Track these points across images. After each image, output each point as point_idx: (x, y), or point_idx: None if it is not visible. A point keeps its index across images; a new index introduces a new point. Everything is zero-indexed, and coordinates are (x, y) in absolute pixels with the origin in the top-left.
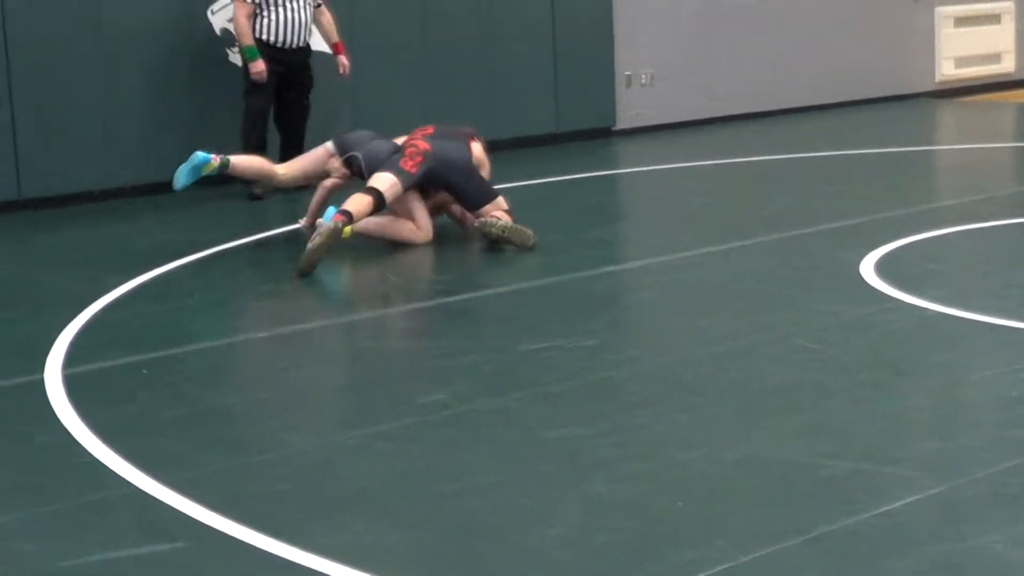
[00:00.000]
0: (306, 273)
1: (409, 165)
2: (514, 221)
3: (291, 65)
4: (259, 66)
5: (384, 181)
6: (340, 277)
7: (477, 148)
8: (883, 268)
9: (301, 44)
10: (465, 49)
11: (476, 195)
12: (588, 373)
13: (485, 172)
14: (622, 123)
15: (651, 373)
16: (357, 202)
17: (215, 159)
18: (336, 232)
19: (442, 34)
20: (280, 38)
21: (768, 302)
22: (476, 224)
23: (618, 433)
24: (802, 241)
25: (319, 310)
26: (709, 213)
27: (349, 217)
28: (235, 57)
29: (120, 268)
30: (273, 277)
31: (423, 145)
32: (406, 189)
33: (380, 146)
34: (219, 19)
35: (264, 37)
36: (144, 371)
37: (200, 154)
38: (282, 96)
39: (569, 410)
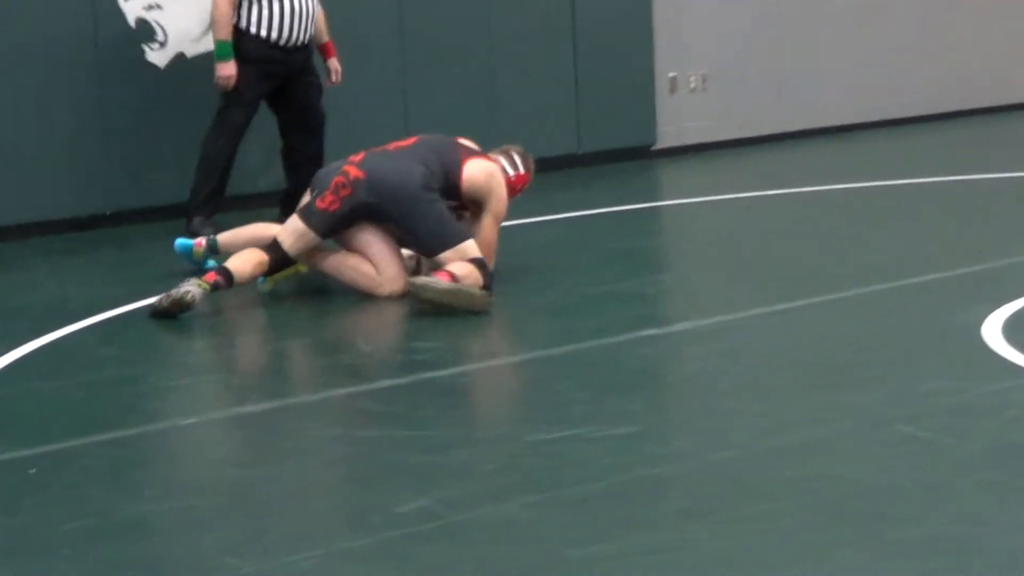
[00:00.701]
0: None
1: (328, 201)
2: (487, 277)
3: (292, 66)
4: (228, 69)
5: (288, 229)
6: (295, 341)
7: (475, 169)
8: (1015, 330)
9: (305, 40)
10: (455, 51)
11: (426, 235)
12: (621, 471)
13: (495, 204)
14: (664, 140)
15: (704, 472)
16: (245, 259)
17: (198, 243)
18: (181, 302)
19: (422, 37)
20: (282, 33)
21: (858, 378)
22: (410, 283)
23: (661, 552)
24: (902, 296)
25: (265, 387)
26: (778, 259)
27: (227, 279)
28: (155, 55)
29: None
30: (205, 344)
31: (354, 172)
32: (326, 234)
33: (332, 170)
34: (134, 6)
35: (259, 32)
36: (32, 471)
37: (180, 241)
38: (284, 107)
39: (596, 521)
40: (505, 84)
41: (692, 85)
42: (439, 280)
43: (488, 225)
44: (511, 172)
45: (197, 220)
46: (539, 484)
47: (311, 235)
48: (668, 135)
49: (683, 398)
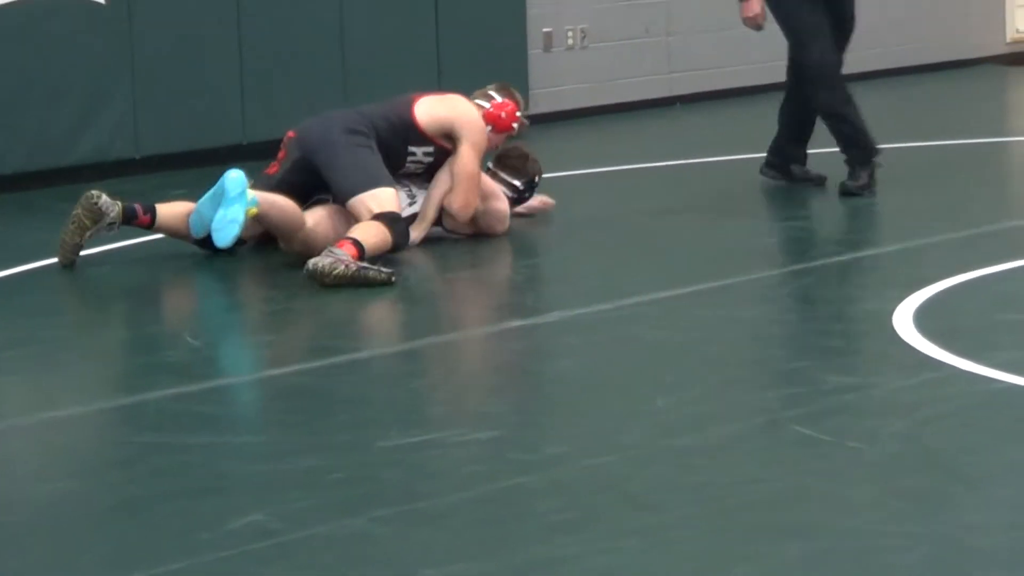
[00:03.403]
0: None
1: (271, 168)
2: (398, 236)
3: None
4: (752, 8)
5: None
6: (113, 334)
7: (428, 101)
8: (928, 319)
9: None
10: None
11: (340, 179)
12: (486, 480)
13: (469, 132)
14: (537, 104)
15: (581, 479)
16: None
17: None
18: (92, 207)
19: None
20: None
21: (757, 371)
22: (306, 267)
23: (530, 571)
24: (803, 281)
25: (77, 388)
26: (664, 241)
27: (148, 213)
28: None
29: None
30: (10, 336)
31: (289, 135)
32: (276, 190)
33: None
34: None
35: None
36: None
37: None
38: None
39: (457, 537)
40: (357, 37)
41: (570, 42)
42: (332, 262)
43: (465, 155)
44: (485, 104)
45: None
46: (392, 496)
47: (266, 201)
48: (542, 99)
49: (555, 397)
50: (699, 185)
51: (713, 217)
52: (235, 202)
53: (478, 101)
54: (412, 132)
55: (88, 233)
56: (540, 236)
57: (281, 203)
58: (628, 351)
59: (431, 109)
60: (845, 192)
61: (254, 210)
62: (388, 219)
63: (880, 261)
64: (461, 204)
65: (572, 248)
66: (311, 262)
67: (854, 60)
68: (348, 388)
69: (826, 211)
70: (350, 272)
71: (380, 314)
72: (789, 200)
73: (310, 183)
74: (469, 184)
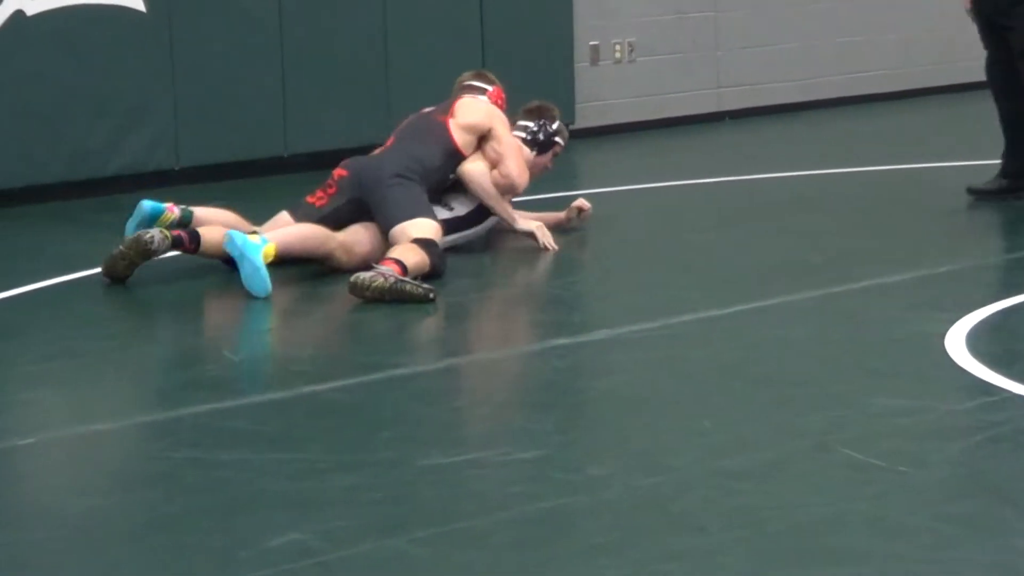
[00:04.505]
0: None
1: (316, 196)
2: (435, 258)
3: None
4: None
5: (273, 221)
6: (151, 348)
7: (459, 128)
8: (982, 341)
9: None
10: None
11: (385, 213)
12: (528, 501)
13: (504, 129)
14: (584, 119)
15: (625, 501)
16: (216, 231)
17: (170, 208)
18: (142, 246)
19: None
20: None
21: (805, 393)
22: (349, 281)
23: None
24: (855, 301)
25: (115, 402)
26: (718, 258)
27: (193, 240)
28: None
29: None
30: (47, 351)
31: (337, 172)
32: (321, 221)
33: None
34: None
35: None
36: None
37: (149, 204)
38: None
39: (498, 559)
40: (398, 50)
41: (617, 55)
42: (372, 275)
43: (499, 133)
44: (483, 98)
45: None
46: (432, 516)
47: (300, 233)
48: (588, 113)
49: (600, 417)
50: (746, 202)
51: (761, 234)
52: (246, 252)
53: (478, 83)
54: (458, 159)
55: (137, 268)
56: (584, 253)
57: (296, 230)
58: (674, 370)
59: (462, 128)
60: None
61: (272, 247)
62: (425, 244)
63: (933, 280)
64: (516, 170)
65: (617, 265)
66: (353, 276)
67: (901, 76)
68: (388, 405)
69: (876, 229)
70: (388, 285)
71: (421, 330)
72: (837, 218)
73: (358, 218)
74: (514, 150)
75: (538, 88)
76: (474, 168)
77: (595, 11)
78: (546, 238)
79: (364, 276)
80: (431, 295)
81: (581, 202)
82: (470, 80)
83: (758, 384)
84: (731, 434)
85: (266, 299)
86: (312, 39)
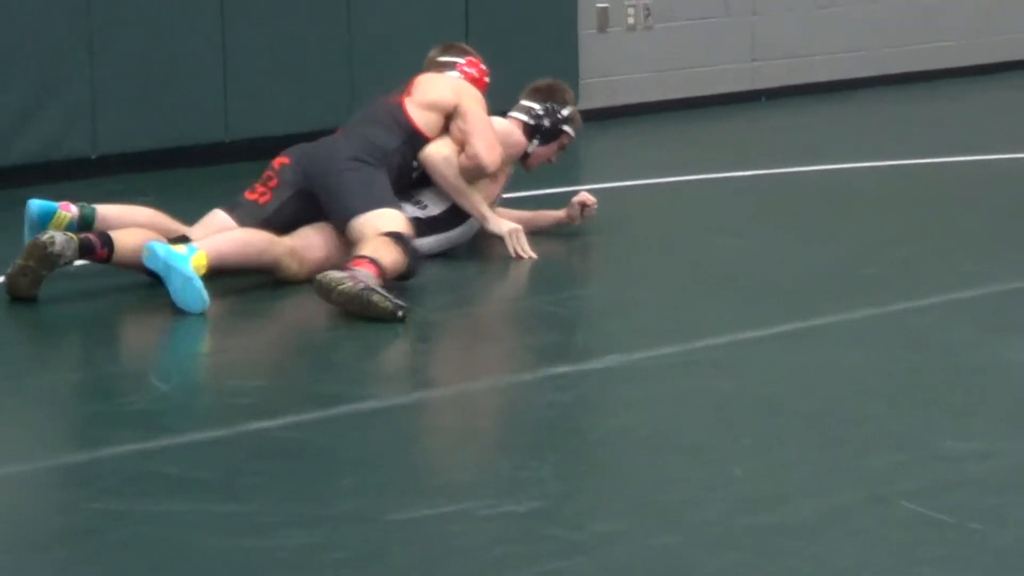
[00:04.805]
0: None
1: (258, 192)
2: (408, 255)
3: None
4: None
5: (203, 223)
6: (68, 377)
7: (418, 106)
8: None
9: None
10: None
11: (340, 203)
12: (521, 564)
13: (465, 100)
14: (590, 98)
15: (640, 565)
16: (134, 234)
17: (64, 207)
18: (44, 253)
19: None
20: None
21: (859, 434)
22: (315, 279)
23: None
24: (916, 321)
25: (18, 443)
26: (751, 268)
27: (105, 245)
28: None
29: None
30: None
31: (279, 161)
32: (268, 222)
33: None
34: None
35: None
36: None
37: (37, 203)
38: None
39: None
40: (363, 14)
41: (631, 20)
42: (342, 276)
43: (467, 108)
44: (454, 74)
45: None
46: None
47: (231, 242)
48: (595, 91)
49: (608, 461)
50: (786, 201)
51: (804, 240)
52: (172, 264)
53: (446, 58)
54: (419, 141)
55: (42, 283)
56: (589, 260)
57: (231, 237)
58: (698, 405)
59: (422, 106)
60: None
61: (202, 255)
62: (398, 238)
63: (1012, 297)
64: (485, 148)
65: (629, 276)
66: (321, 273)
67: (969, 50)
68: (352, 446)
69: (943, 233)
70: (355, 291)
71: (392, 355)
72: (896, 219)
73: (309, 215)
74: (483, 126)
75: (533, 62)
76: (435, 152)
77: None
78: (519, 244)
79: (333, 276)
80: (400, 313)
81: (584, 196)
82: (438, 55)
83: (801, 422)
84: (768, 483)
85: (201, 316)
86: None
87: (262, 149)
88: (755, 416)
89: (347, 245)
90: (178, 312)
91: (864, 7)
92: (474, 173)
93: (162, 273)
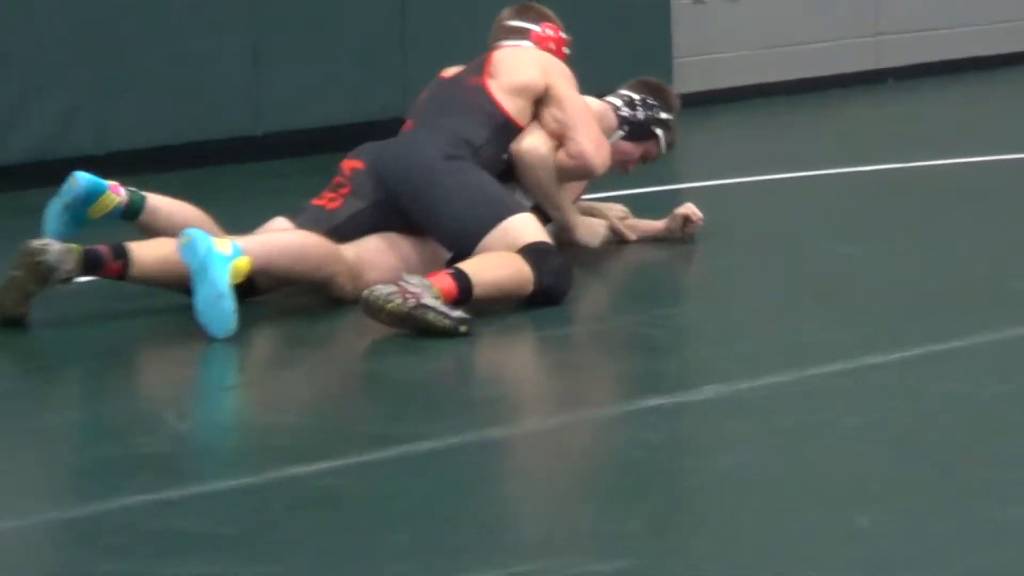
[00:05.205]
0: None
1: (326, 199)
2: (543, 272)
3: None
4: None
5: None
6: (65, 415)
7: (505, 90)
8: None
9: None
10: None
11: (452, 220)
12: None
13: (560, 82)
14: (684, 80)
15: None
16: (158, 245)
17: (114, 188)
18: (38, 265)
19: None
20: None
21: (1006, 478)
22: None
23: None
24: None
25: (14, 491)
26: (875, 282)
27: (119, 258)
28: None
29: None
30: None
31: (350, 164)
32: (338, 233)
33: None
34: None
35: None
36: None
37: (85, 177)
38: None
39: None
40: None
41: None
42: (390, 292)
43: (564, 93)
44: (527, 44)
45: None
46: None
47: (296, 243)
48: (691, 72)
49: (711, 511)
50: (916, 201)
51: (937, 247)
52: (209, 266)
53: (508, 44)
54: (512, 131)
55: (33, 299)
56: (685, 272)
57: (285, 242)
58: (815, 444)
59: (509, 91)
60: None
61: (245, 262)
62: (535, 252)
63: None
64: (592, 144)
65: (732, 291)
66: (367, 290)
67: None
68: (404, 495)
69: None
70: (405, 308)
71: (452, 386)
72: None
73: (392, 229)
74: (586, 117)
75: (613, 39)
76: (532, 149)
77: None
78: (626, 229)
79: (381, 292)
80: (462, 328)
81: (689, 208)
82: (509, 19)
83: (935, 464)
84: (901, 535)
85: (229, 341)
86: None
87: (299, 145)
88: (881, 457)
89: (426, 263)
90: (201, 336)
91: None
92: (576, 174)
93: (195, 272)
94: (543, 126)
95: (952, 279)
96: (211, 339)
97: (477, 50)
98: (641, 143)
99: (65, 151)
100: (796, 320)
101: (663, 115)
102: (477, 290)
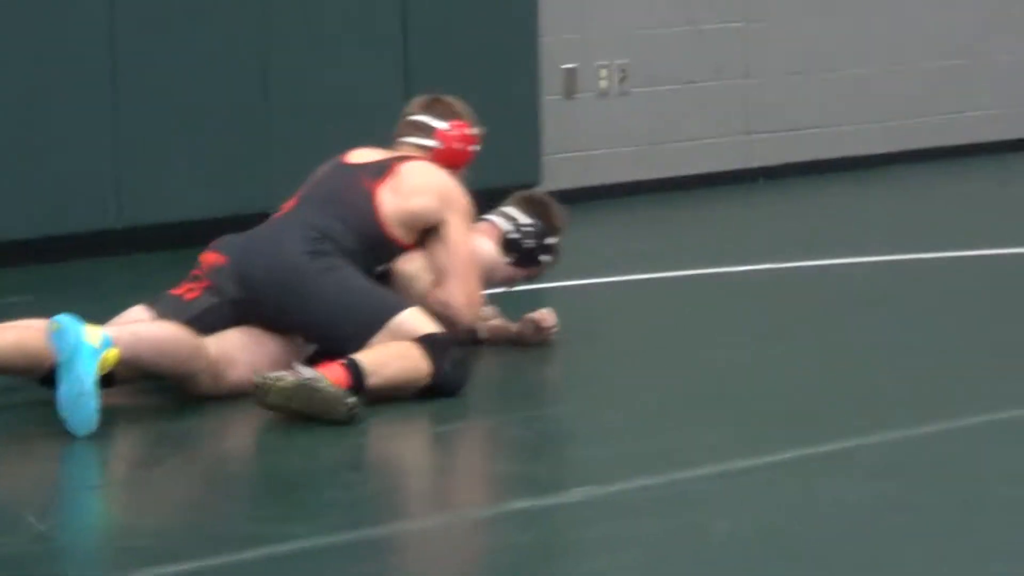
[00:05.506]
0: None
1: (184, 289)
2: (439, 360)
3: None
4: None
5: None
6: None
7: (395, 192)
8: None
9: None
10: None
11: (334, 322)
12: None
13: (455, 207)
14: (555, 178)
15: None
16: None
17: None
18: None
19: None
20: None
21: None
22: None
23: None
24: (960, 445)
25: None
26: (748, 382)
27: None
28: None
29: None
30: None
31: (211, 258)
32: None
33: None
34: None
35: None
36: None
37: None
38: None
39: None
40: (281, 70)
41: (603, 84)
42: (282, 374)
43: (454, 231)
44: (431, 143)
45: None
46: None
47: (147, 337)
48: (562, 168)
49: None
50: (788, 302)
51: (814, 349)
52: (77, 360)
53: (411, 141)
54: (386, 248)
55: None
56: (555, 373)
57: (152, 335)
58: (685, 547)
59: (399, 213)
60: None
61: (114, 354)
62: (434, 343)
63: None
64: (465, 297)
65: (603, 393)
66: (257, 376)
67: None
68: None
69: (968, 342)
70: (296, 383)
71: (322, 486)
72: (927, 325)
73: (252, 324)
74: (470, 268)
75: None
76: (413, 276)
77: (572, 21)
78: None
79: (270, 375)
80: (354, 411)
81: (542, 315)
82: (416, 113)
83: (806, 567)
84: None
85: (93, 438)
86: (152, 63)
87: (162, 238)
88: (751, 560)
89: (290, 359)
90: (63, 433)
91: (880, 67)
92: (440, 318)
93: (62, 364)
94: (427, 253)
95: (822, 381)
96: (73, 435)
97: (342, 147)
98: (526, 267)
99: None
100: (667, 423)
101: (549, 240)
102: (371, 381)
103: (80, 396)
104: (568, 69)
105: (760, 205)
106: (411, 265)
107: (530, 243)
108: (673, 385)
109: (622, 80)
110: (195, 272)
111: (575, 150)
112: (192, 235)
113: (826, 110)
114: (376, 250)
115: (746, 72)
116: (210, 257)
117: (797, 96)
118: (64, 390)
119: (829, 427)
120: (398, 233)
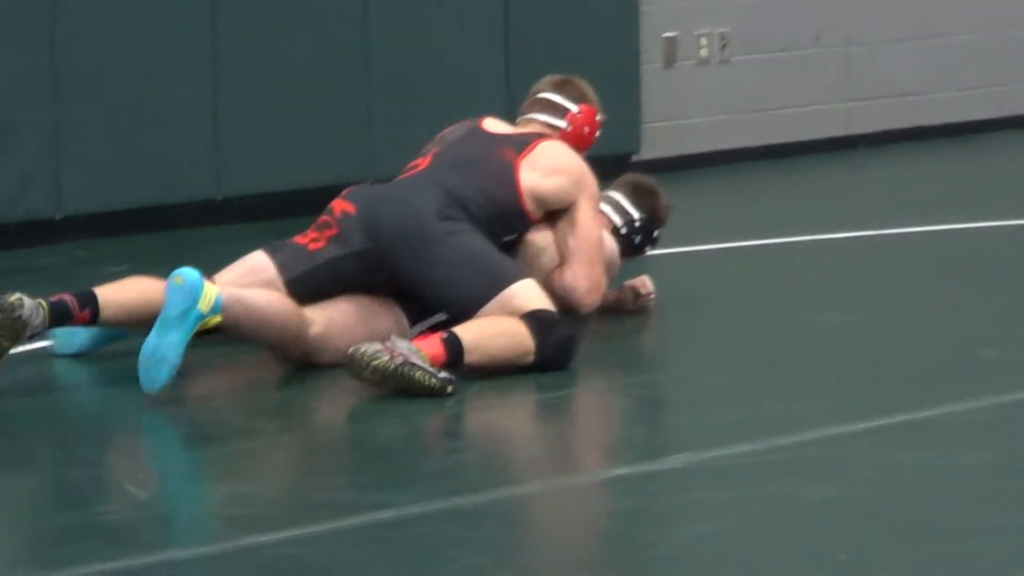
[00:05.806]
0: None
1: (308, 238)
2: (545, 339)
3: None
4: None
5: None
6: (15, 483)
7: (538, 170)
8: None
9: None
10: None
11: (448, 286)
12: None
13: (586, 191)
14: (655, 146)
15: None
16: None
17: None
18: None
19: None
20: None
21: (983, 548)
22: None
23: None
24: None
25: None
26: (847, 348)
27: (87, 304)
28: None
29: None
30: None
31: (341, 206)
32: (298, 286)
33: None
34: None
35: None
36: None
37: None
38: None
39: None
40: (384, 49)
41: (703, 53)
42: (377, 350)
43: (584, 216)
44: (562, 124)
45: None
46: None
47: (269, 273)
48: (661, 137)
49: None
50: (892, 268)
51: (913, 315)
52: (172, 328)
53: (540, 119)
54: (519, 220)
55: (5, 356)
56: (656, 340)
57: (261, 310)
58: (787, 515)
59: (536, 191)
60: None
61: (215, 320)
62: (540, 320)
63: None
64: (589, 282)
65: (703, 359)
66: (352, 347)
67: None
68: (366, 565)
69: None
70: (391, 367)
71: (422, 453)
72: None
73: (372, 281)
74: (597, 254)
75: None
76: (542, 248)
77: None
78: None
79: (367, 349)
80: (449, 388)
81: (641, 281)
82: (547, 92)
83: (907, 535)
84: None
85: (191, 410)
86: (255, 36)
87: (261, 209)
88: (849, 528)
89: (399, 330)
90: (163, 405)
91: (983, 40)
92: (558, 300)
93: (165, 318)
94: (554, 235)
95: (925, 348)
96: (162, 402)
97: (442, 120)
98: (632, 256)
99: (19, 215)
100: (768, 389)
101: (656, 233)
102: (471, 357)
103: (161, 361)
104: (668, 38)
105: (861, 172)
106: (542, 238)
107: (638, 239)
108: (772, 352)
109: (722, 48)
110: (323, 219)
111: (675, 118)
112: (291, 206)
113: (927, 77)
114: (508, 221)
115: (847, 39)
116: (342, 204)
117: (898, 63)
118: (152, 345)
119: (928, 393)
120: (531, 207)
